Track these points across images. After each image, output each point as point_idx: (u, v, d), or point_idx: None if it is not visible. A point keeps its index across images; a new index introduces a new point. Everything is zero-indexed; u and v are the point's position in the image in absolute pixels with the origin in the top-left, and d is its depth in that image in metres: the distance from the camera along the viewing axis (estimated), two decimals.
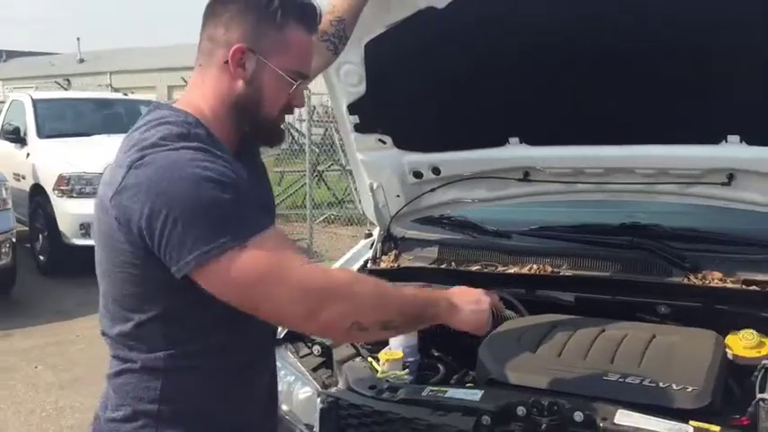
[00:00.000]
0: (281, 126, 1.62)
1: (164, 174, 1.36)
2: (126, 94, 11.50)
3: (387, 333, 1.63)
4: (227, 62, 1.49)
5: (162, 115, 1.50)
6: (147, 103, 11.67)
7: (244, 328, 1.52)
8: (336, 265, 2.82)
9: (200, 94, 1.54)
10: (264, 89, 1.52)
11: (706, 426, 1.69)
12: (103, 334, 1.55)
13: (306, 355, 2.25)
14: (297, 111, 1.75)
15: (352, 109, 2.54)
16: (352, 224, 11.12)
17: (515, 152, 2.49)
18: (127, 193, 1.38)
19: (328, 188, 12.58)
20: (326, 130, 12.42)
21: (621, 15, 2.01)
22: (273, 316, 1.45)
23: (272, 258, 1.39)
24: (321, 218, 11.30)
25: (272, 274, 1.38)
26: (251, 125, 1.55)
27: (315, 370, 2.17)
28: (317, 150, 12.15)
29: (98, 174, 8.00)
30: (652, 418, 1.70)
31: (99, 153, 8.26)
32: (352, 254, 2.90)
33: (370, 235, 2.97)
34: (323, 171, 12.68)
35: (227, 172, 1.40)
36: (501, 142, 2.48)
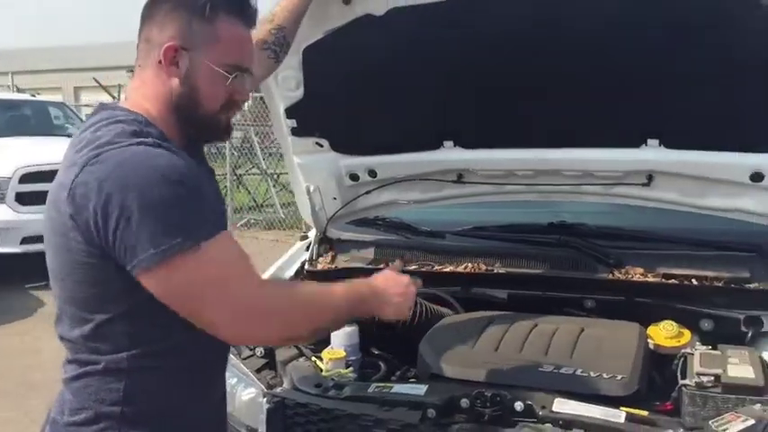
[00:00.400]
0: (229, 121, 1.60)
1: (120, 170, 1.36)
2: (34, 95, 11.06)
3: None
4: (160, 62, 1.49)
5: (113, 114, 1.50)
6: (58, 104, 11.29)
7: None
8: (274, 267, 2.81)
9: (142, 95, 1.54)
10: (200, 86, 1.51)
11: (636, 411, 1.82)
12: (61, 338, 1.54)
13: (248, 357, 2.26)
14: None
15: (290, 113, 2.56)
16: (272, 228, 11.07)
17: (449, 155, 2.56)
18: (81, 189, 1.37)
19: (248, 192, 12.47)
20: (245, 133, 12.31)
21: (550, 29, 2.10)
22: (210, 327, 1.44)
23: (221, 269, 1.40)
24: (241, 222, 11.20)
25: (217, 285, 1.39)
26: (192, 124, 1.54)
27: (258, 371, 2.18)
28: (236, 154, 12.04)
29: (6, 178, 7.70)
30: (587, 404, 1.80)
31: (7, 156, 7.96)
32: (289, 256, 2.91)
33: (305, 237, 3.00)
34: (242, 175, 12.57)
35: (186, 170, 1.40)
36: (435, 146, 2.55)
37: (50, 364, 5.49)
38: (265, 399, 2.03)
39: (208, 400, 1.59)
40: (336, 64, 2.38)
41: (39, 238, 7.24)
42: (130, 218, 1.33)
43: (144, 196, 1.34)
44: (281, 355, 2.20)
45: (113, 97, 15.95)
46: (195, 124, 1.54)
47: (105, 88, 15.46)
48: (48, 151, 8.25)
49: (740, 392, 1.84)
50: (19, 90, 17.21)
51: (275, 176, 12.27)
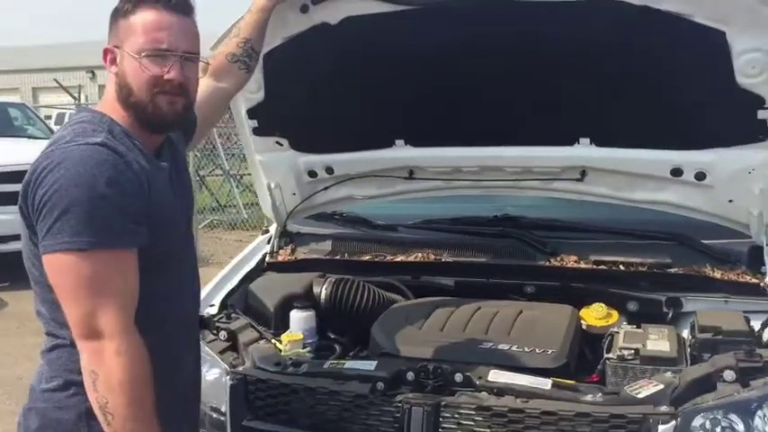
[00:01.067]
0: (173, 106, 1.71)
1: (60, 166, 1.55)
2: None
3: (101, 413, 1.58)
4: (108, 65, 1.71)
5: (81, 117, 1.70)
6: (19, 105, 11.25)
7: (163, 306, 1.70)
8: (235, 261, 2.95)
9: (107, 96, 1.74)
10: (127, 75, 1.68)
11: (561, 380, 2.03)
12: (37, 314, 1.71)
13: (212, 341, 2.39)
14: None
15: (251, 114, 2.69)
16: (235, 229, 11.13)
17: (401, 153, 2.73)
18: (30, 178, 1.58)
19: (211, 193, 12.51)
20: (208, 134, 12.35)
21: (492, 35, 2.26)
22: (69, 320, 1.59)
23: (92, 280, 1.55)
24: (204, 223, 11.25)
25: (81, 293, 1.55)
26: (135, 112, 1.70)
27: (222, 353, 2.32)
28: (198, 155, 12.07)
29: None
30: (519, 375, 2.01)
31: None
32: (250, 249, 3.05)
33: (267, 231, 3.14)
34: (204, 176, 12.60)
35: (114, 175, 1.56)
36: (388, 144, 2.72)
37: (13, 362, 5.56)
38: (228, 377, 2.19)
39: (168, 378, 1.70)
40: (294, 68, 2.52)
41: (1, 239, 7.27)
42: (52, 208, 1.53)
43: (67, 193, 1.53)
44: (244, 337, 2.36)
45: (74, 98, 15.86)
46: (137, 111, 1.70)
47: (66, 89, 15.37)
48: (9, 152, 8.27)
49: (656, 364, 2.07)
50: None
51: (238, 177, 12.33)
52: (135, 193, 1.60)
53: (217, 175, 12.91)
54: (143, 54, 1.66)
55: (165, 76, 1.67)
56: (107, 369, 1.55)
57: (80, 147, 1.58)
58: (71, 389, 1.65)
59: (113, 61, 1.70)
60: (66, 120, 1.73)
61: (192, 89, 1.76)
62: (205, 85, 2.11)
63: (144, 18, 1.67)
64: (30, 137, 9.78)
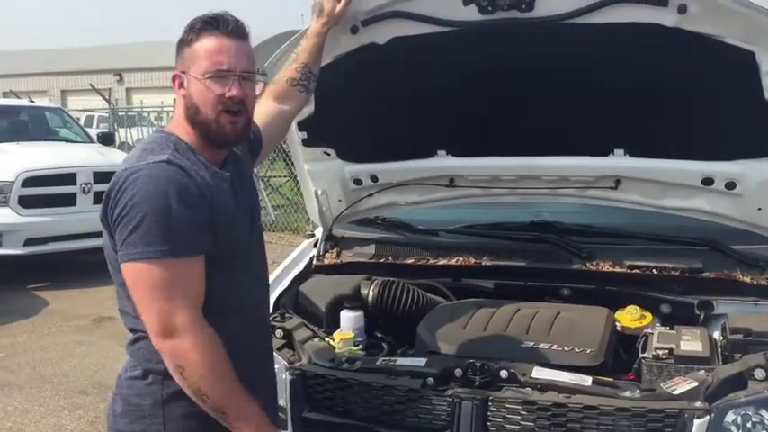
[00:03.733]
0: (235, 124, 1.88)
1: (135, 183, 1.75)
2: (32, 101, 11.29)
3: (197, 397, 1.77)
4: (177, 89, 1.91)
5: (152, 137, 1.93)
6: (55, 110, 11.52)
7: (232, 301, 1.87)
8: (284, 264, 3.11)
9: (176, 116, 1.94)
10: (194, 96, 1.87)
11: (601, 377, 2.16)
12: (120, 311, 1.90)
13: None
14: None
15: (301, 126, 2.83)
16: (264, 230, 11.29)
17: (442, 162, 2.86)
18: (109, 196, 1.78)
19: None
20: None
21: (531, 54, 2.39)
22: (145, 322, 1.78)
23: (165, 286, 1.73)
24: None
25: (157, 298, 1.73)
26: (201, 129, 1.89)
27: (279, 350, 2.45)
28: None
29: (9, 182, 7.93)
30: (560, 372, 2.15)
31: (8, 161, 8.19)
32: (298, 253, 3.22)
33: (312, 236, 3.30)
34: None
35: (184, 189, 1.76)
36: (430, 154, 2.85)
37: (58, 359, 5.82)
38: (288, 372, 2.35)
39: (242, 358, 1.85)
40: (343, 84, 2.64)
41: (41, 240, 7.63)
42: (127, 222, 1.73)
43: (140, 208, 1.73)
44: (299, 336, 2.51)
45: (107, 100, 16.14)
46: (203, 128, 1.89)
47: (100, 92, 15.65)
48: (48, 156, 8.54)
49: (689, 363, 2.20)
50: (15, 95, 17.34)
51: (266, 179, 12.52)
52: (199, 204, 1.78)
53: None
54: (206, 76, 1.84)
55: (227, 95, 1.85)
56: (190, 361, 1.74)
57: (149, 165, 1.78)
58: (149, 377, 1.85)
59: (181, 85, 1.90)
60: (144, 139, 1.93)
61: (250, 105, 1.93)
62: (269, 108, 2.32)
63: (206, 44, 1.86)
64: (66, 140, 10.03)
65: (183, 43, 1.89)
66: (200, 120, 1.87)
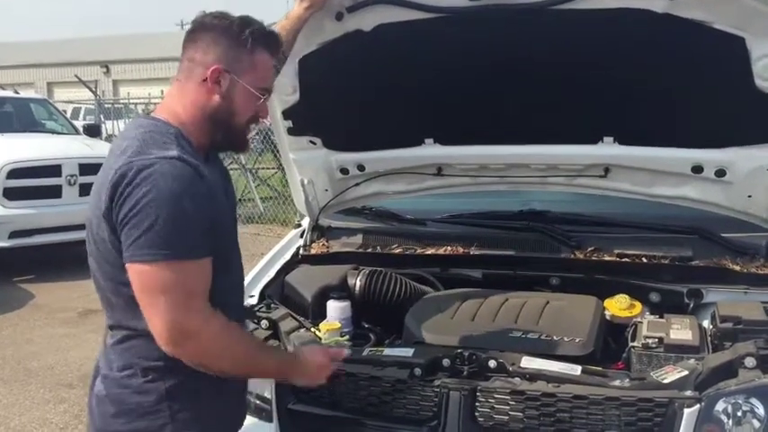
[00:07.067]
0: (248, 133, 1.91)
1: (146, 181, 1.65)
2: (17, 92, 11.17)
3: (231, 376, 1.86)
4: (205, 80, 1.79)
5: (147, 126, 1.81)
6: (41, 101, 11.41)
7: (228, 300, 1.83)
8: (270, 254, 3.07)
9: (181, 105, 1.83)
10: (236, 103, 1.82)
11: (590, 367, 2.14)
12: (109, 306, 1.83)
13: (254, 330, 2.50)
14: None
15: (286, 114, 2.80)
16: (252, 222, 11.26)
17: (430, 151, 2.83)
18: (116, 191, 1.68)
19: None
20: None
21: (519, 40, 2.37)
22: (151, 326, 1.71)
23: (176, 288, 1.66)
24: None
25: (166, 300, 1.66)
26: (223, 133, 1.85)
27: (265, 341, 2.42)
28: None
29: None
30: (549, 361, 2.13)
31: None
32: (284, 243, 3.18)
33: (299, 226, 3.27)
34: None
35: (195, 189, 1.69)
36: (418, 142, 2.82)
37: (44, 352, 5.76)
38: None
39: None
40: (329, 72, 2.61)
41: (26, 233, 7.56)
42: (138, 223, 1.65)
43: (151, 209, 1.65)
44: (284, 326, 2.48)
45: (93, 92, 16.01)
46: (226, 132, 1.85)
47: (87, 84, 15.51)
48: (33, 147, 8.45)
49: (679, 351, 2.18)
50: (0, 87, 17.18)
51: (254, 171, 12.47)
52: (207, 204, 1.72)
53: (233, 169, 13.03)
54: (258, 90, 1.83)
55: (262, 116, 1.90)
56: (212, 356, 1.74)
57: (161, 161, 1.68)
58: (149, 375, 1.77)
59: (218, 82, 1.79)
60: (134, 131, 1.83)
61: None
62: None
63: (264, 59, 1.84)
64: (52, 132, 9.95)
65: (239, 44, 1.79)
66: (230, 124, 1.83)
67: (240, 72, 1.81)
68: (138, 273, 1.68)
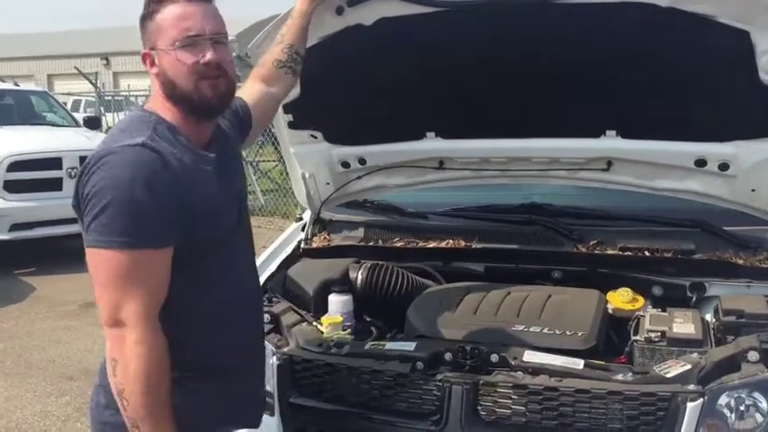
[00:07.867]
0: (215, 88, 1.79)
1: (104, 167, 1.66)
2: (17, 84, 11.14)
3: (118, 399, 1.70)
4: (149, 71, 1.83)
5: (131, 116, 1.86)
6: (41, 93, 11.38)
7: (221, 287, 1.83)
8: (271, 247, 3.07)
9: (156, 95, 1.84)
10: (168, 71, 1.78)
11: (593, 361, 2.14)
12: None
13: None
14: None
15: (287, 108, 2.78)
16: (253, 215, 11.22)
17: (432, 145, 2.82)
18: (80, 176, 1.71)
19: None
20: None
21: (521, 34, 2.35)
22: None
23: (123, 276, 1.65)
24: None
25: (113, 287, 1.66)
26: (182, 103, 1.80)
27: (267, 334, 2.41)
28: None
29: None
30: (552, 355, 2.12)
31: None
32: (285, 237, 3.18)
33: (300, 219, 3.26)
34: None
35: (155, 176, 1.66)
36: (419, 136, 2.81)
37: (45, 345, 5.76)
38: (275, 356, 2.30)
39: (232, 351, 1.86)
40: (330, 65, 2.58)
41: (27, 225, 7.55)
42: (92, 207, 1.65)
43: (105, 193, 1.64)
44: (287, 320, 2.47)
45: (93, 84, 15.98)
46: (185, 103, 1.79)
47: (86, 76, 15.47)
48: (33, 140, 8.43)
49: (682, 345, 2.17)
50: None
51: (255, 164, 12.45)
52: (169, 193, 1.69)
53: None
54: (176, 45, 1.76)
55: (202, 61, 1.75)
56: (126, 357, 1.65)
57: (123, 148, 1.68)
58: None
59: (153, 63, 1.80)
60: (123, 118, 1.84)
61: (229, 69, 1.83)
62: (256, 90, 2.24)
63: (169, 13, 1.77)
64: (52, 124, 9.93)
65: (146, 18, 1.79)
66: (179, 94, 1.78)
67: (155, 42, 1.79)
68: (89, 257, 1.69)
